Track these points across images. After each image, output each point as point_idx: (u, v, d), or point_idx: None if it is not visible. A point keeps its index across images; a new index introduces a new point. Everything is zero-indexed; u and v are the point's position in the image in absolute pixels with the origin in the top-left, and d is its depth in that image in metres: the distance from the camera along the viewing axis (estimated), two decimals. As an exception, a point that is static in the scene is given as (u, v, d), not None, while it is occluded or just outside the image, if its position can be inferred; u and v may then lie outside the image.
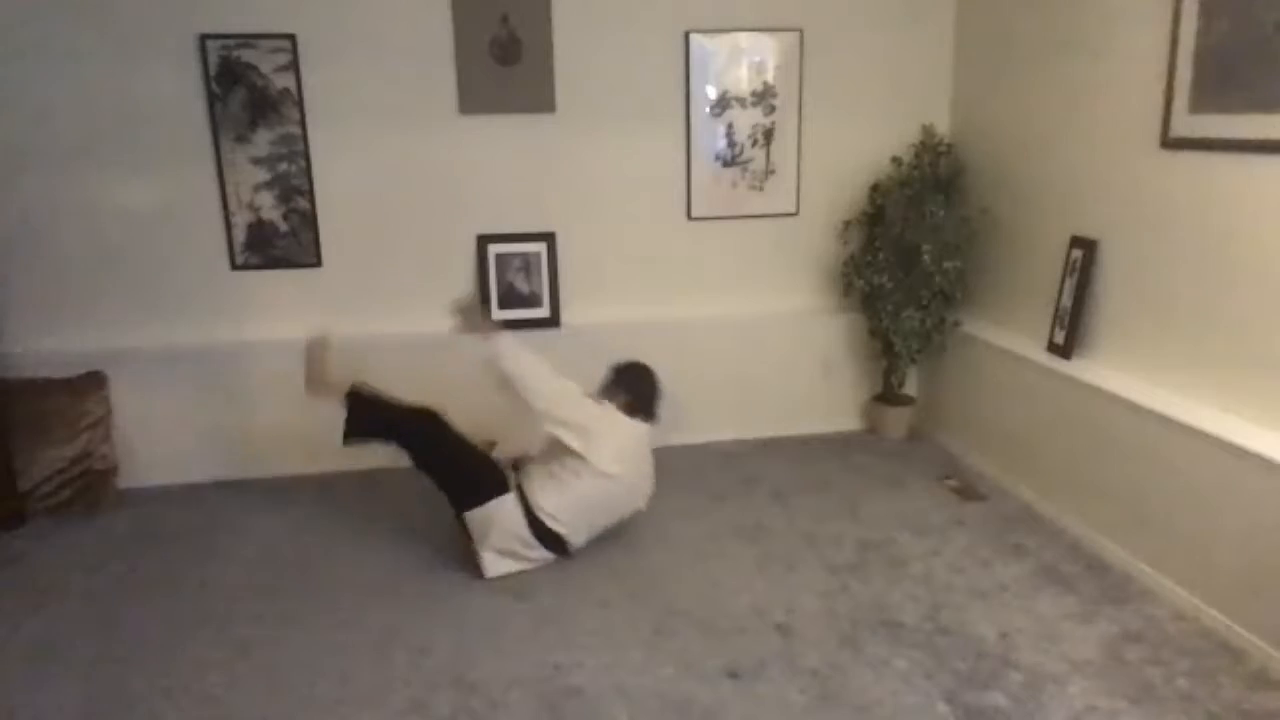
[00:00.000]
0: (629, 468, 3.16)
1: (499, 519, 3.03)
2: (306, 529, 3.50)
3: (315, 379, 3.30)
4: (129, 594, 3.04)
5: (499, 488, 3.04)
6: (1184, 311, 2.93)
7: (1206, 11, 2.75)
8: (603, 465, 3.06)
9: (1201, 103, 2.80)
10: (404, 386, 3.98)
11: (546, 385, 3.08)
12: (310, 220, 3.91)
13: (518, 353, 3.10)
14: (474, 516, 3.04)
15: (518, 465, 3.21)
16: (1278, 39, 2.54)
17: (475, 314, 3.21)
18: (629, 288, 4.23)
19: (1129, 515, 3.06)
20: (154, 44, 3.66)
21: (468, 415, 4.08)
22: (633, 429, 3.20)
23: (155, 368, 3.84)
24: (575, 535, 3.12)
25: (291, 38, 3.72)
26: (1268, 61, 2.57)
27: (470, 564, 3.16)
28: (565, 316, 4.16)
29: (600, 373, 4.12)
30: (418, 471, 3.15)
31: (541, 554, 3.11)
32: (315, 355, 3.30)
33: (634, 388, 3.30)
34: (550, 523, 3.06)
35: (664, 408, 3.35)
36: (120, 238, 3.80)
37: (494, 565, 3.06)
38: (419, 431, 3.13)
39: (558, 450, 3.10)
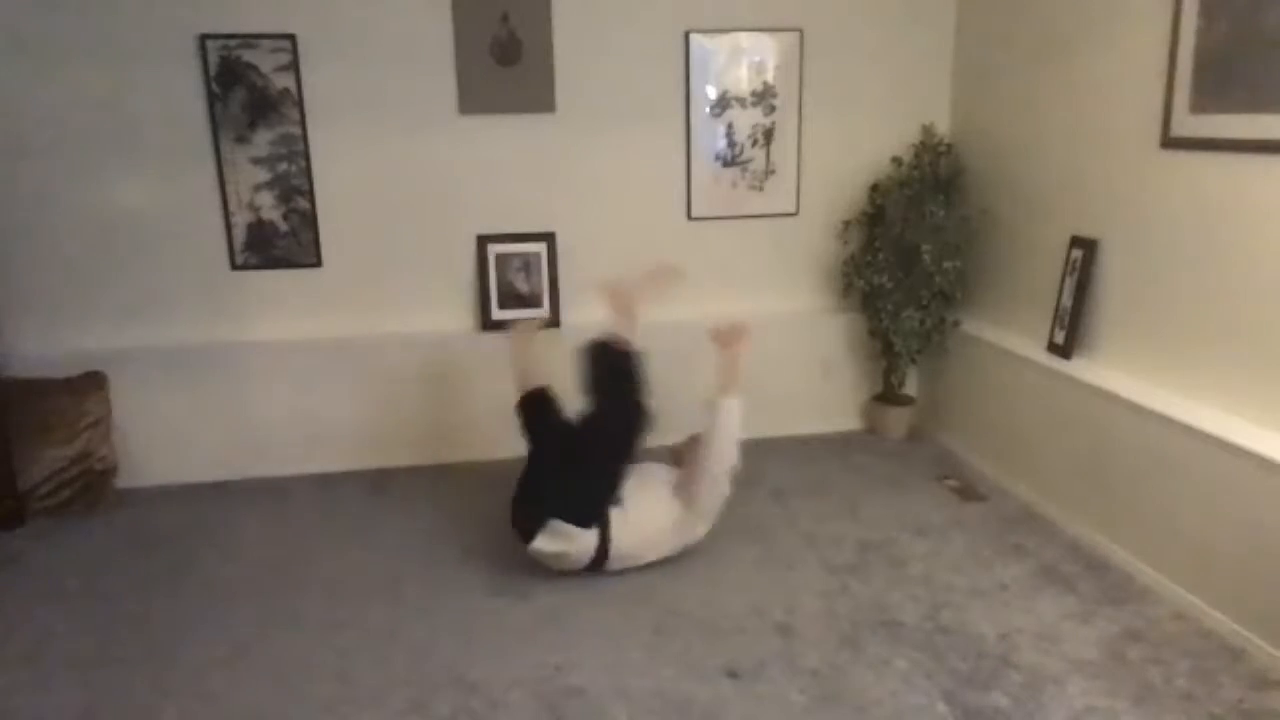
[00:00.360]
0: None
1: (570, 546, 2.94)
2: (307, 529, 3.50)
3: (633, 296, 3.23)
4: (129, 594, 3.04)
5: (599, 520, 2.95)
6: (1184, 311, 2.93)
7: (1206, 11, 2.75)
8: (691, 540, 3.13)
9: (1201, 103, 2.80)
10: (406, 386, 4.02)
11: (731, 464, 3.07)
12: (310, 220, 3.91)
13: (739, 419, 3.04)
14: (558, 527, 2.92)
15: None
16: (1277, 39, 2.54)
17: (743, 349, 3.14)
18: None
19: (1129, 515, 3.06)
20: (154, 44, 3.66)
21: (467, 411, 4.10)
22: None
23: (155, 368, 3.84)
24: (619, 567, 3.06)
25: (291, 38, 3.72)
26: (1268, 61, 2.57)
27: (470, 563, 3.17)
28: (565, 316, 4.16)
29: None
30: (566, 449, 3.03)
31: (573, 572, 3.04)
32: (667, 277, 3.30)
33: None
34: (614, 557, 2.99)
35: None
36: (120, 238, 3.80)
37: (539, 556, 2.99)
38: (642, 421, 3.03)
39: (675, 503, 3.07)
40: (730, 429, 3.03)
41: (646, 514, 3.02)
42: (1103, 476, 3.18)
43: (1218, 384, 2.82)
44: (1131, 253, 3.16)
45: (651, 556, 3.08)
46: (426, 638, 2.75)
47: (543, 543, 2.94)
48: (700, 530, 3.14)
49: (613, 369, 3.08)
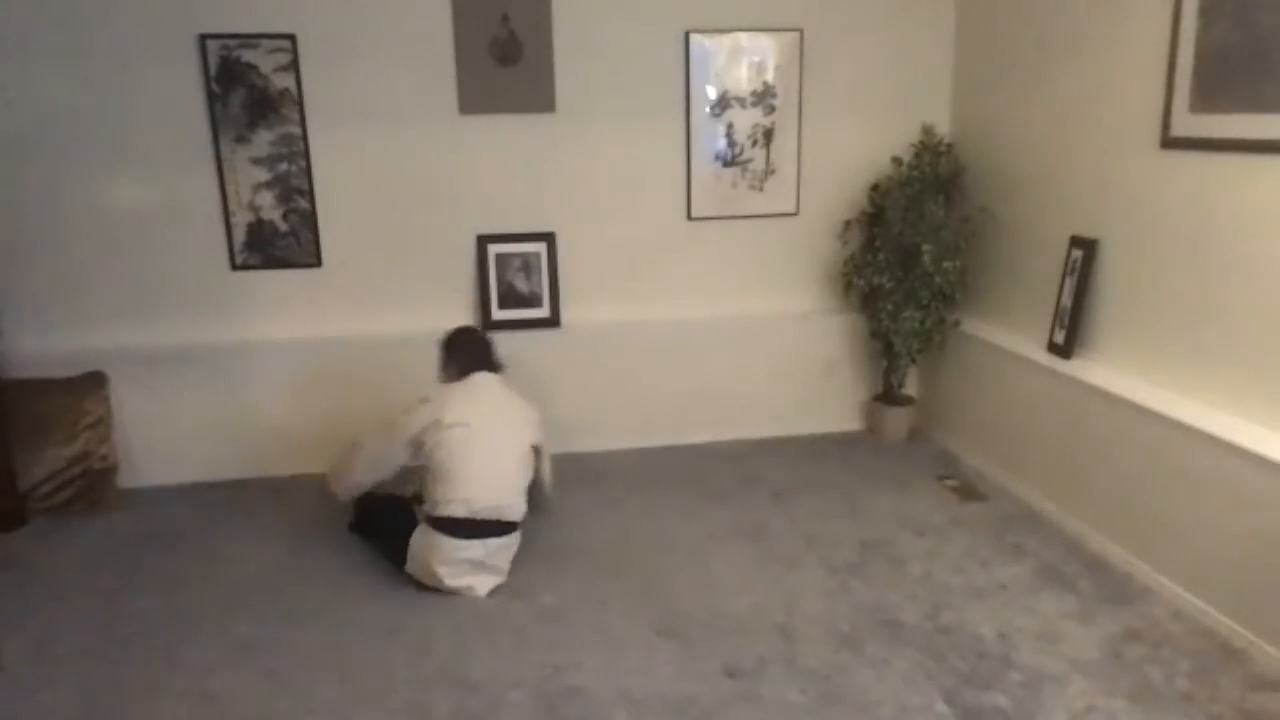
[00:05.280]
0: (477, 414, 3.04)
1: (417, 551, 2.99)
2: (306, 529, 3.50)
3: None
4: (129, 594, 3.04)
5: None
6: (1184, 311, 2.93)
7: (1206, 11, 2.75)
8: (450, 417, 2.99)
9: (1201, 103, 2.80)
10: (406, 386, 4.01)
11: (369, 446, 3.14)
12: (310, 220, 3.91)
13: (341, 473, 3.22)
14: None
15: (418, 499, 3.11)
16: (1277, 39, 2.54)
17: None
18: (629, 288, 4.23)
19: (1129, 515, 3.06)
20: (154, 44, 3.66)
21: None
22: (474, 387, 3.11)
23: (155, 368, 3.83)
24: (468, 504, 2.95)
25: (291, 38, 3.72)
26: (1268, 61, 2.57)
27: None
28: (565, 316, 4.16)
29: (597, 373, 4.16)
30: None
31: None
32: None
33: (466, 350, 3.22)
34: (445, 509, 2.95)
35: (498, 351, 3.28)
36: (120, 238, 3.80)
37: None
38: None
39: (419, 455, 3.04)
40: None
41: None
42: (1103, 477, 3.18)
43: (1218, 384, 2.82)
44: (1131, 253, 3.16)
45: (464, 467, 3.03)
46: (426, 638, 2.75)
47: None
48: None
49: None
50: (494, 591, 3.01)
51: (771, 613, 2.86)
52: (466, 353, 3.21)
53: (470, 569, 2.97)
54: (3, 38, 3.57)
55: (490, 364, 3.21)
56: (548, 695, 2.47)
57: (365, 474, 3.18)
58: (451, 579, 2.95)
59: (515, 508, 3.05)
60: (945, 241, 3.91)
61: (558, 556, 3.24)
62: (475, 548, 2.95)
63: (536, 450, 3.19)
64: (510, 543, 3.07)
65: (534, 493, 3.23)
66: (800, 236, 4.31)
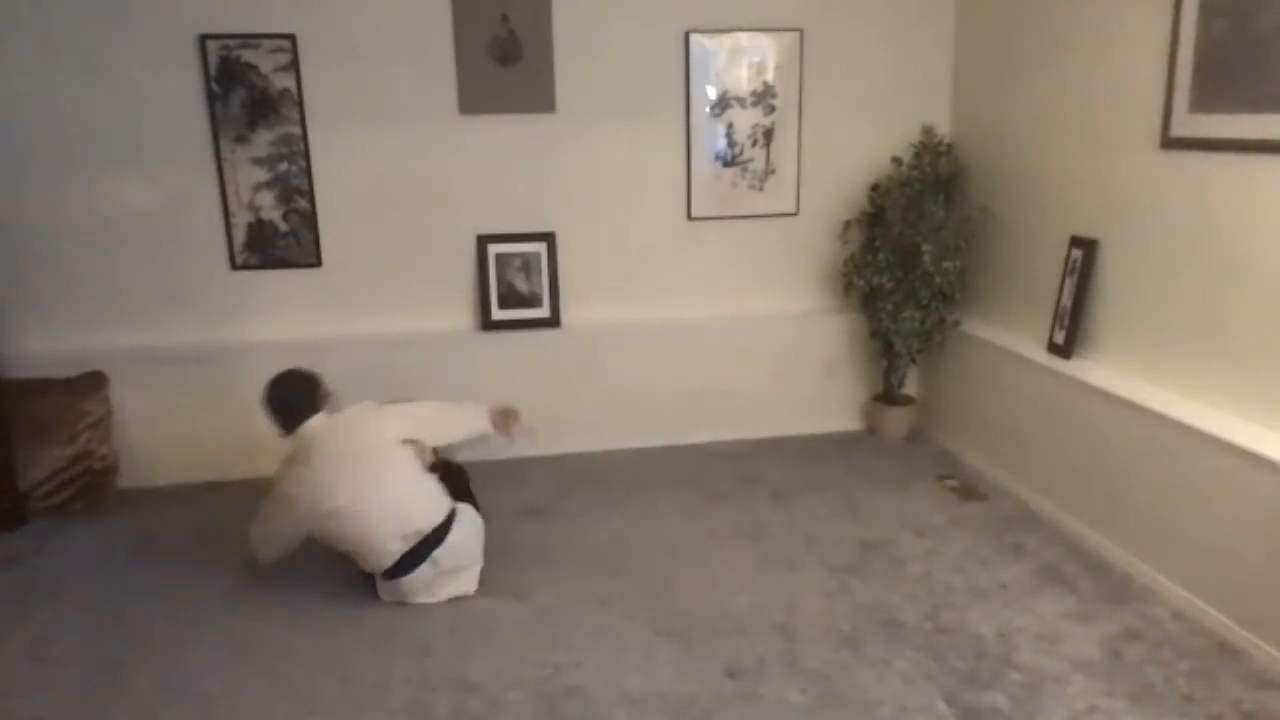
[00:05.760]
0: (328, 480, 2.84)
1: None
2: (306, 529, 3.50)
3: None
4: (129, 594, 3.04)
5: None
6: (1184, 311, 2.93)
7: (1206, 11, 2.75)
8: (306, 508, 2.86)
9: (1201, 103, 2.80)
10: (404, 386, 4.01)
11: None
12: (310, 220, 3.91)
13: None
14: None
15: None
16: (1277, 39, 2.54)
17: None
18: (629, 288, 4.23)
19: (1129, 515, 3.06)
20: (154, 44, 3.66)
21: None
22: (312, 451, 2.90)
23: (155, 368, 3.83)
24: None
25: (291, 38, 3.73)
26: (1267, 61, 2.57)
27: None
28: (565, 316, 4.16)
29: (597, 373, 4.16)
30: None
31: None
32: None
33: (282, 405, 2.99)
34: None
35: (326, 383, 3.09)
36: (120, 238, 3.80)
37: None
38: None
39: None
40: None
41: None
42: (1103, 476, 3.18)
43: (1217, 383, 2.82)
44: (1131, 253, 3.16)
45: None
46: (426, 638, 2.75)
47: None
48: None
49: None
50: (484, 582, 3.01)
51: (771, 613, 2.86)
52: (286, 407, 2.97)
53: (439, 582, 2.93)
54: (3, 38, 3.57)
55: (315, 406, 2.99)
56: (548, 695, 2.48)
57: (273, 550, 3.02)
58: (431, 598, 2.93)
59: (432, 513, 2.90)
60: (945, 241, 3.91)
61: (558, 556, 3.24)
62: (425, 571, 2.88)
63: (414, 440, 3.01)
64: (458, 536, 2.92)
65: (470, 449, 3.33)
66: (800, 236, 4.31)
